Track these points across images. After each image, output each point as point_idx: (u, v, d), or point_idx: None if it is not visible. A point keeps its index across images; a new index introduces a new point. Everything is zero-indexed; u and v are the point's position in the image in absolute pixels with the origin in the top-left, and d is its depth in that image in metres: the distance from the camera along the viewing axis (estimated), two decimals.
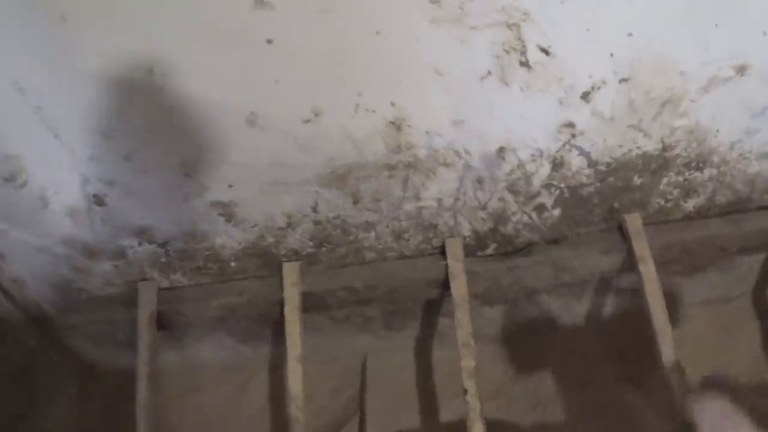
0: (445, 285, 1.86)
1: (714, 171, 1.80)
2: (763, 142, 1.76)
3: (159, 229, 1.81)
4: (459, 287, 1.79)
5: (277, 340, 2.19)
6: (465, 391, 1.72)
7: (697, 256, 1.92)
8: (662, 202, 1.85)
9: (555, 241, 1.89)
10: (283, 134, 1.59)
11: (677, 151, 1.73)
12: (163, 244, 1.86)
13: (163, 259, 1.90)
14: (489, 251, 1.90)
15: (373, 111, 1.56)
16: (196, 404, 2.21)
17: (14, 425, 2.02)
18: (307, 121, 1.56)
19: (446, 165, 1.69)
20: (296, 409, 1.77)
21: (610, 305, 2.15)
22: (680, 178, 1.80)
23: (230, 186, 1.72)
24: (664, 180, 1.79)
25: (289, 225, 1.81)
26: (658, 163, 1.75)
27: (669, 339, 1.72)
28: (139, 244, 1.86)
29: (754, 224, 1.89)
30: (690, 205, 1.88)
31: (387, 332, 2.16)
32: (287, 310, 1.83)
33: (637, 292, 1.91)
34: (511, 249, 1.90)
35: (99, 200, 1.73)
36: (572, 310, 2.14)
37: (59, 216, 1.76)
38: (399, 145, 1.63)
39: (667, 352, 1.72)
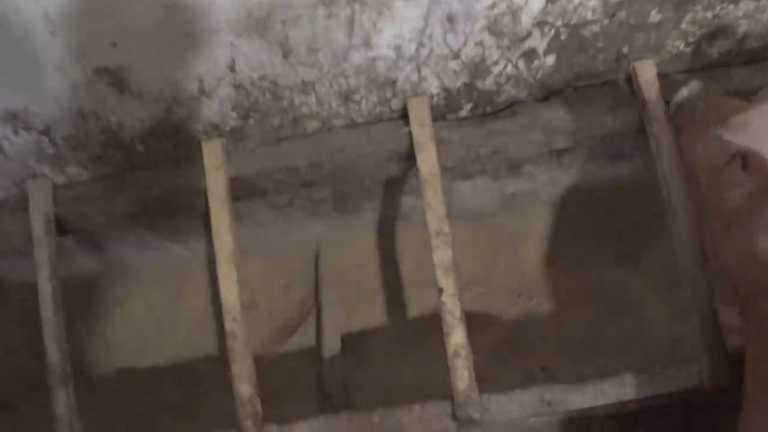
0: (408, 157, 1.42)
1: (751, 6, 1.34)
2: None
3: (35, 111, 1.33)
4: (427, 160, 1.35)
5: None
6: (440, 291, 1.33)
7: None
8: (681, 46, 1.38)
9: (546, 98, 1.42)
10: None
11: None
12: (46, 131, 1.38)
13: (50, 150, 1.42)
14: (463, 113, 1.43)
15: None
16: (128, 315, 1.81)
17: None
18: None
19: None
20: (232, 321, 1.35)
21: (605, 175, 1.69)
22: (708, 14, 1.32)
23: (114, 45, 1.24)
24: (688, 16, 1.31)
25: (202, 92, 1.32)
26: None
27: (687, 217, 1.33)
28: (15, 132, 1.38)
29: None
30: (714, 50, 1.41)
31: (340, 216, 1.72)
32: (212, 200, 1.38)
33: (640, 159, 1.54)
34: (491, 109, 1.43)
35: None
36: (561, 182, 1.70)
37: None
38: None
39: (684, 232, 1.35)
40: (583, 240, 1.70)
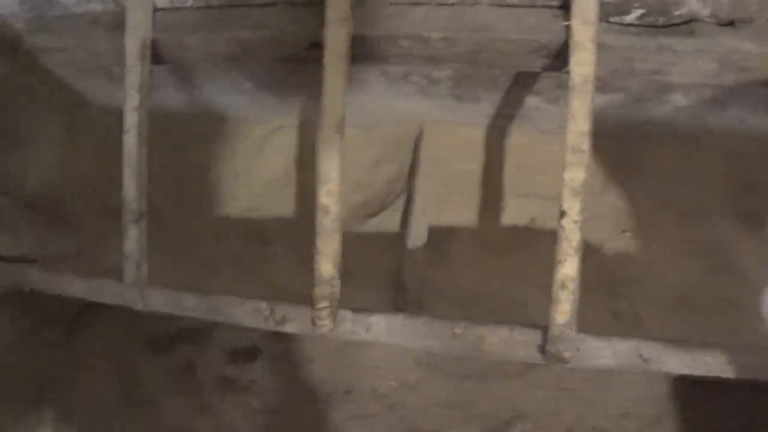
0: (557, 55, 1.17)
1: None
2: None
3: None
4: (583, 63, 1.08)
5: (312, 90, 1.58)
6: (562, 214, 1.13)
7: None
8: None
9: (731, 23, 1.16)
10: None
11: None
12: None
13: None
14: (629, 18, 1.15)
15: None
16: (204, 157, 1.64)
17: None
18: None
19: None
20: (327, 194, 1.18)
21: (755, 126, 1.43)
22: None
23: None
24: None
25: None
26: None
27: None
28: None
29: None
30: None
31: (454, 102, 1.48)
32: (328, 57, 1.16)
33: None
34: (663, 22, 1.16)
35: None
36: (704, 119, 1.43)
37: None
38: None
39: None
40: (705, 189, 1.49)
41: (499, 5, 1.17)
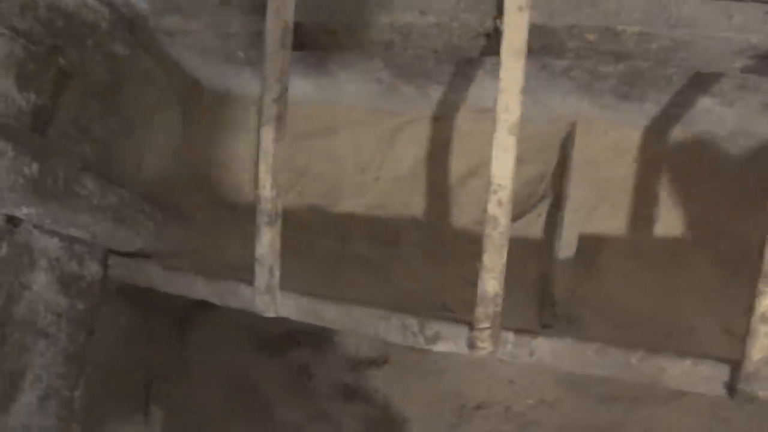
0: (765, 57, 1.02)
1: None
2: None
3: None
4: None
5: (458, 82, 1.40)
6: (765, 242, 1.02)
7: None
8: None
9: None
10: None
11: None
12: None
13: None
14: None
15: None
16: (330, 149, 1.52)
17: (104, 154, 1.42)
18: None
19: None
20: (497, 205, 1.04)
21: None
22: None
23: None
24: None
25: None
26: None
27: None
28: None
29: None
30: None
31: (617, 100, 1.33)
32: (506, 49, 1.02)
33: None
34: None
35: None
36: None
37: None
38: None
39: None
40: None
41: None
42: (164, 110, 1.49)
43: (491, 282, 1.08)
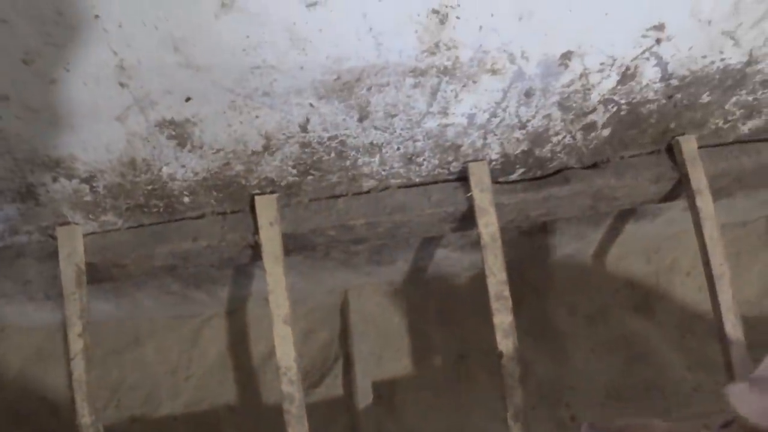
0: (463, 219, 1.40)
1: None
2: None
3: (82, 159, 1.21)
4: (488, 224, 1.31)
5: (240, 281, 1.66)
6: (500, 355, 1.33)
7: (746, 182, 1.55)
8: (720, 123, 1.43)
9: (594, 165, 1.43)
10: (273, 24, 1.04)
11: (761, 66, 1.30)
12: (88, 179, 1.26)
13: (88, 198, 1.30)
14: (514, 176, 1.42)
15: None
16: (139, 359, 1.68)
17: None
18: (312, 4, 1.03)
19: (493, 72, 1.16)
20: (289, 383, 1.28)
21: (627, 233, 1.76)
22: (749, 98, 1.37)
23: (188, 99, 1.14)
24: (732, 99, 1.37)
25: (266, 149, 1.25)
26: (735, 79, 1.31)
27: (728, 287, 1.36)
28: (54, 179, 1.25)
29: None
30: (747, 127, 1.46)
31: (372, 267, 1.67)
32: (267, 258, 1.30)
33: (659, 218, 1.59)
34: (541, 173, 1.43)
35: None
36: (586, 238, 1.75)
37: None
38: (438, 42, 1.10)
39: (726, 300, 1.39)
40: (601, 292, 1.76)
41: (408, 186, 1.38)
42: None
43: None
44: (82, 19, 0.98)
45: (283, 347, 1.29)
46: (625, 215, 1.67)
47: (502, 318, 1.31)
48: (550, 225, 1.61)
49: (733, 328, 1.35)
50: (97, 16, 0.97)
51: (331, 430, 1.56)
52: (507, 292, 1.32)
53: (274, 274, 1.31)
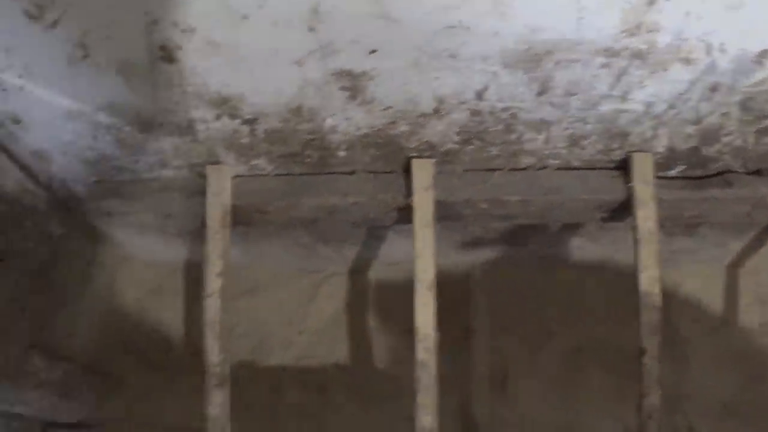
0: (616, 209, 1.38)
1: None
2: None
3: (249, 100, 1.24)
4: (647, 218, 1.30)
5: (370, 242, 1.68)
6: (642, 351, 1.33)
7: None
8: None
9: (758, 172, 1.40)
10: None
11: None
12: (251, 121, 1.28)
13: (245, 140, 1.33)
14: (672, 173, 1.39)
15: None
16: (255, 308, 1.72)
17: (39, 327, 1.52)
18: None
19: (686, 61, 1.14)
20: (424, 351, 1.29)
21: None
22: None
23: (372, 52, 1.17)
24: None
25: (436, 111, 1.25)
26: None
27: None
28: (217, 117, 1.28)
29: None
30: None
31: (503, 246, 1.68)
32: (417, 222, 1.31)
33: None
34: (701, 173, 1.40)
35: (168, 54, 1.15)
36: (727, 245, 1.70)
37: (105, 72, 1.18)
38: (640, 24, 1.08)
39: None
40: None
41: (566, 168, 1.37)
42: (93, 279, 1.63)
43: (426, 418, 1.30)
44: None
45: (424, 314, 1.30)
46: None
47: (649, 317, 1.29)
48: (693, 229, 1.59)
49: None
50: None
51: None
52: (658, 289, 1.30)
53: (424, 239, 1.32)
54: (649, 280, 1.30)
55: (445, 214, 1.39)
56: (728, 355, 1.65)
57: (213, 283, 1.38)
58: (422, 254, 1.31)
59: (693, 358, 1.65)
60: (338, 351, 1.69)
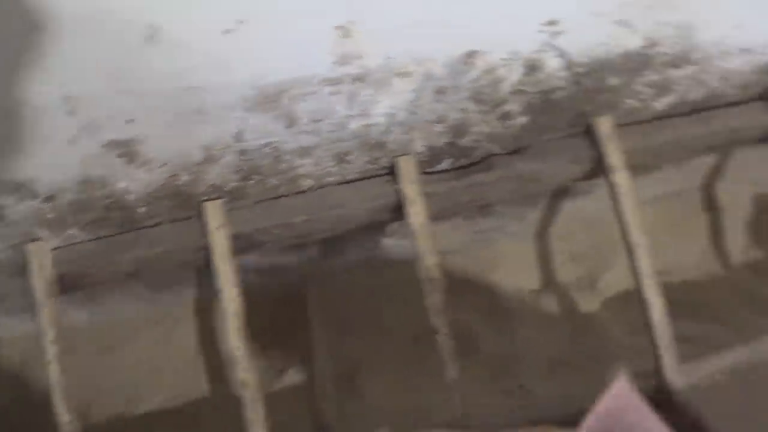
0: (396, 209, 1.57)
1: (693, 68, 1.58)
2: (746, 37, 1.57)
3: (42, 181, 1.40)
4: (417, 214, 1.50)
5: (205, 282, 1.85)
6: (434, 331, 1.52)
7: (664, 157, 1.75)
8: (634, 103, 1.61)
9: (516, 151, 1.62)
10: (195, 51, 1.22)
11: (661, 48, 1.49)
12: (50, 198, 1.45)
13: (51, 215, 1.49)
14: (443, 166, 1.61)
15: (322, 12, 1.23)
16: (116, 363, 1.87)
17: None
18: (228, 31, 1.22)
19: (403, 75, 1.36)
20: (243, 371, 1.49)
21: (567, 211, 1.96)
22: (657, 77, 1.56)
23: (129, 121, 1.35)
24: (640, 79, 1.55)
25: (207, 159, 1.44)
26: (638, 62, 1.50)
27: (645, 254, 1.57)
28: (19, 200, 1.44)
29: (724, 122, 1.70)
30: (661, 103, 1.65)
31: (327, 259, 1.88)
32: (215, 258, 1.49)
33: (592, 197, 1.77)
34: (467, 162, 1.61)
35: None
36: (527, 218, 1.95)
37: None
38: (345, 54, 1.30)
39: (646, 266, 1.58)
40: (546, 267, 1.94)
41: (343, 182, 1.56)
42: None
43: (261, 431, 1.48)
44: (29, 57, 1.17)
45: (236, 339, 1.48)
46: (561, 194, 1.85)
47: (434, 299, 1.49)
48: (487, 209, 1.79)
49: (650, 292, 1.53)
50: (42, 56, 1.16)
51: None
52: (438, 274, 1.50)
53: (224, 274, 1.50)
54: (428, 268, 1.50)
55: (244, 245, 1.57)
56: (551, 315, 1.86)
57: (50, 350, 1.54)
58: (225, 287, 1.49)
59: (518, 326, 1.86)
60: (202, 385, 1.86)
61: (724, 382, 1.61)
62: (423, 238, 1.50)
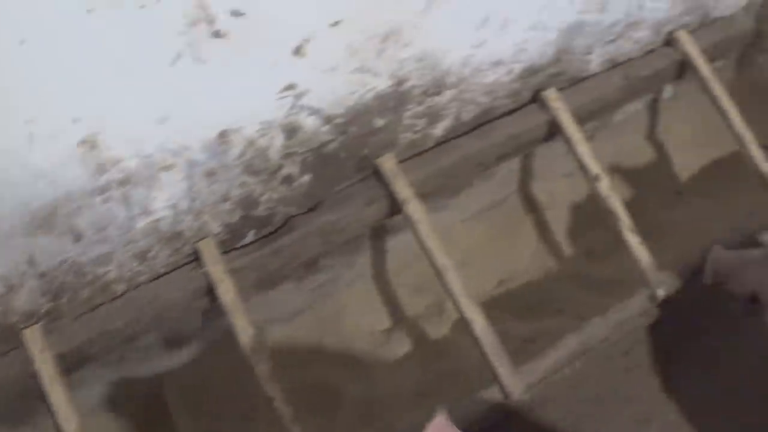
0: (209, 291, 1.62)
1: (453, 91, 1.71)
2: (491, 52, 1.71)
3: None
4: (227, 291, 1.57)
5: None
6: (270, 400, 1.58)
7: (459, 177, 1.86)
8: (411, 135, 1.73)
9: (313, 208, 1.71)
10: None
11: (412, 82, 1.62)
12: None
13: None
14: (249, 239, 1.69)
15: (55, 136, 1.31)
16: None
17: None
18: None
19: (167, 168, 1.45)
20: None
21: (395, 247, 2.06)
22: (422, 108, 1.69)
23: None
24: (407, 114, 1.68)
25: (9, 289, 1.50)
26: (395, 100, 1.62)
27: (454, 275, 1.66)
28: None
29: (503, 132, 1.85)
30: (439, 129, 1.78)
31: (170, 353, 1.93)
32: (45, 382, 1.53)
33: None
34: (273, 229, 1.70)
35: None
36: (356, 264, 2.03)
37: None
38: (101, 163, 1.38)
39: (457, 287, 1.67)
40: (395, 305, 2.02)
41: (155, 278, 1.63)
42: None
43: None
44: None
45: None
46: (381, 233, 1.95)
47: (261, 369, 1.55)
48: (314, 267, 1.88)
49: (468, 310, 1.62)
50: None
51: None
52: (264, 345, 1.56)
53: (56, 394, 1.53)
54: (250, 342, 1.56)
55: (76, 360, 1.61)
56: (404, 350, 1.95)
57: None
58: (59, 409, 1.52)
59: (375, 368, 1.93)
60: None
61: (563, 373, 1.70)
62: (236, 313, 1.57)
